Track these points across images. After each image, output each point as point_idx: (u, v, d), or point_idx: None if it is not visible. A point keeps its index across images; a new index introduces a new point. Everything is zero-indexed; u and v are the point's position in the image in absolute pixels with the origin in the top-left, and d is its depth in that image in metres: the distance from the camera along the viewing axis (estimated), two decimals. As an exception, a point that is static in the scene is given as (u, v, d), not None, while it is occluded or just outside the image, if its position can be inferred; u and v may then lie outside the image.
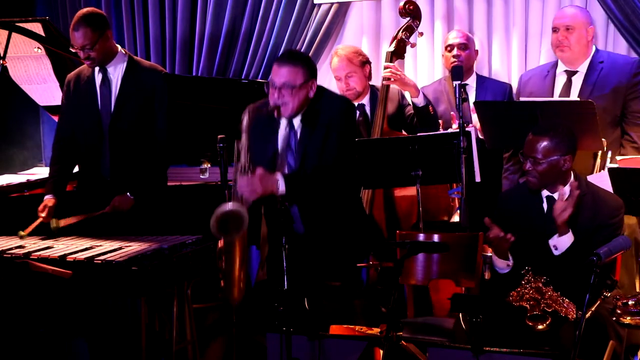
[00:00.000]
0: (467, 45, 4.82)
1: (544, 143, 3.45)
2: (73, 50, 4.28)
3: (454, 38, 4.85)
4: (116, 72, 4.33)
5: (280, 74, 3.50)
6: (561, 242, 3.41)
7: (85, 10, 4.29)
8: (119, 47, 4.39)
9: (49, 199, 4.24)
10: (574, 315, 3.24)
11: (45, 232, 4.08)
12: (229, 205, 3.38)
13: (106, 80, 4.32)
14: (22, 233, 3.97)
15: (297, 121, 3.61)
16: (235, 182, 3.53)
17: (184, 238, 3.94)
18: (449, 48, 4.84)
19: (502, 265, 3.52)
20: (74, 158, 4.43)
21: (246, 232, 3.40)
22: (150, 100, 4.34)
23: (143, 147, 4.33)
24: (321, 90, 3.65)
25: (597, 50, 4.44)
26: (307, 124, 3.60)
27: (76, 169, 4.67)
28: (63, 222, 4.09)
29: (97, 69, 4.33)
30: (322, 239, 3.68)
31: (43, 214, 4.15)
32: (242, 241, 3.44)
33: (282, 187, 3.47)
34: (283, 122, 3.63)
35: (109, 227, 4.20)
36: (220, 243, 3.55)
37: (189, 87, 5.04)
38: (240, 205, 3.38)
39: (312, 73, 3.58)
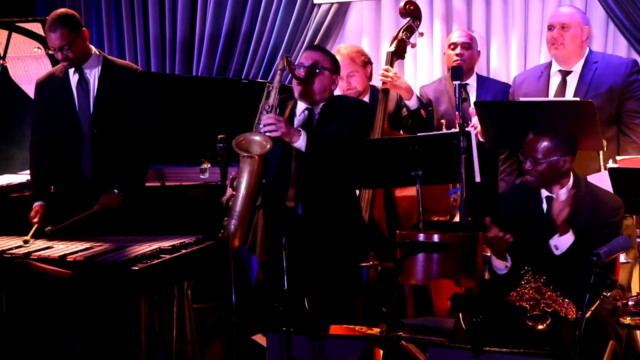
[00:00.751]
0: (470, 45, 4.82)
1: (545, 143, 3.45)
2: (50, 52, 4.27)
3: (458, 37, 4.84)
4: (92, 72, 4.32)
5: (311, 56, 3.76)
6: (562, 242, 3.41)
7: (59, 11, 4.28)
8: (93, 47, 4.38)
9: (39, 205, 4.25)
10: (574, 315, 3.24)
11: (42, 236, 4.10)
12: (255, 135, 3.54)
13: (83, 81, 4.31)
14: (27, 238, 3.97)
15: (317, 109, 3.79)
16: (259, 121, 3.61)
17: (183, 238, 3.94)
18: (452, 46, 4.84)
19: (501, 266, 3.51)
20: (52, 161, 4.41)
21: (260, 169, 3.53)
22: (128, 99, 4.33)
23: (125, 145, 4.33)
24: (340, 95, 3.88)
25: (590, 50, 4.45)
26: (325, 113, 3.77)
27: None
28: (56, 227, 4.12)
29: (71, 70, 4.32)
30: (324, 239, 3.68)
31: (36, 220, 4.17)
32: (255, 177, 3.53)
33: (303, 140, 3.60)
34: (300, 107, 3.78)
35: (108, 227, 4.20)
36: (232, 176, 3.62)
37: (189, 87, 5.04)
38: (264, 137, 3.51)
39: (337, 68, 3.85)
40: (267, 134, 3.55)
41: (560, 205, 3.39)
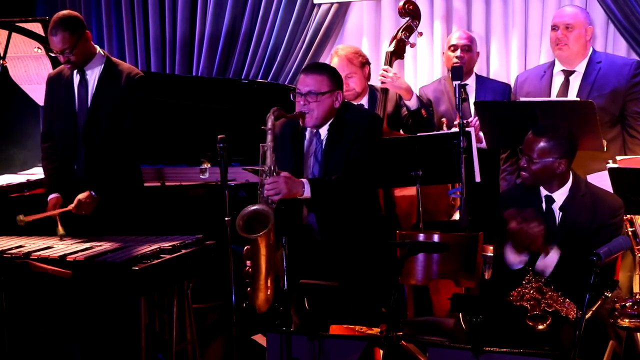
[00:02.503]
0: (470, 47, 4.82)
1: (540, 144, 3.45)
2: (52, 55, 4.25)
3: (458, 39, 4.83)
4: (94, 73, 4.31)
5: (306, 82, 3.63)
6: (547, 263, 3.40)
7: (61, 13, 4.25)
8: (98, 47, 4.37)
9: (55, 197, 4.23)
10: (575, 315, 3.24)
11: (39, 231, 4.10)
12: (255, 206, 3.45)
13: (83, 81, 4.31)
14: (21, 217, 3.95)
15: (323, 131, 3.71)
16: (261, 185, 3.55)
17: (184, 238, 3.94)
18: (452, 48, 4.83)
19: (516, 260, 3.48)
20: (54, 157, 4.41)
21: (273, 236, 3.43)
22: (124, 102, 4.30)
23: (116, 147, 4.30)
24: (348, 104, 3.80)
25: (594, 50, 4.45)
26: (333, 135, 3.70)
27: None
28: (29, 218, 4.06)
29: (75, 70, 4.31)
30: (340, 245, 3.68)
31: (54, 211, 4.13)
32: (268, 246, 3.47)
33: (307, 191, 3.56)
34: (308, 131, 3.71)
35: (108, 227, 4.20)
36: (246, 248, 3.56)
37: (189, 87, 5.04)
38: (266, 206, 3.44)
39: (337, 84, 3.70)
40: (271, 198, 3.49)
41: (534, 231, 3.36)
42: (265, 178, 3.53)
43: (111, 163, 4.27)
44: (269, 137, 3.54)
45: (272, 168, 3.53)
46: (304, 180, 3.59)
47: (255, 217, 3.43)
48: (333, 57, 4.68)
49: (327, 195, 3.63)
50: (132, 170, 4.40)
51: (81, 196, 4.17)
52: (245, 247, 3.57)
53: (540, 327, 3.24)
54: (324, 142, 3.71)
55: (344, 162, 3.65)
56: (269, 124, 3.54)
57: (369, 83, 4.74)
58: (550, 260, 3.39)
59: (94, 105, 4.29)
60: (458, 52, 4.78)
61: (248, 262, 3.55)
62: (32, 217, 4.06)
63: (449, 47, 4.86)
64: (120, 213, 4.29)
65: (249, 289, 3.53)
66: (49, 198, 4.25)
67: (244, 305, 3.59)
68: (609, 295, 3.31)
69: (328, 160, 3.69)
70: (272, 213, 3.41)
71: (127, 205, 4.32)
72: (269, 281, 3.49)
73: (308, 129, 3.73)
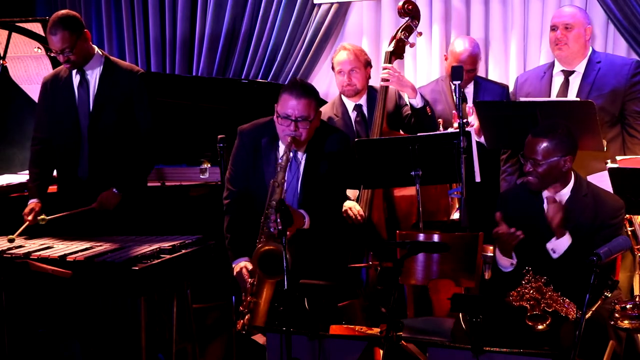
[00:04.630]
0: (475, 60, 4.80)
1: (544, 144, 3.45)
2: (52, 55, 4.25)
3: (462, 53, 4.74)
4: (94, 73, 4.32)
5: (297, 108, 3.60)
6: (559, 245, 3.42)
7: (60, 13, 4.26)
8: (96, 47, 4.37)
9: (34, 203, 4.24)
10: (575, 315, 3.24)
11: (33, 233, 4.10)
12: (268, 245, 3.47)
13: (84, 82, 4.31)
14: (12, 237, 3.96)
15: (300, 152, 3.74)
16: (266, 218, 3.55)
17: (184, 238, 3.94)
18: (455, 59, 4.78)
19: (506, 263, 3.51)
20: (52, 160, 4.42)
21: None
22: (129, 101, 4.33)
23: (124, 146, 4.32)
24: (322, 122, 3.83)
25: (593, 50, 4.45)
26: (311, 155, 3.74)
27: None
28: (51, 217, 4.13)
29: (74, 70, 4.31)
30: (317, 241, 3.72)
31: (30, 217, 4.15)
32: (272, 289, 3.53)
33: (307, 223, 3.65)
34: (282, 150, 3.69)
35: (108, 227, 4.20)
36: (250, 282, 3.58)
37: (189, 87, 5.04)
38: (277, 244, 3.42)
39: (319, 105, 3.76)
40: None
41: (554, 209, 3.40)
42: (271, 212, 3.53)
43: (123, 162, 4.30)
44: (281, 175, 3.55)
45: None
46: (302, 211, 3.65)
47: (269, 256, 3.46)
48: (340, 51, 4.68)
49: (322, 221, 3.71)
50: (150, 170, 4.47)
51: (105, 194, 4.22)
52: (249, 282, 3.58)
53: (540, 327, 3.24)
54: (303, 162, 3.75)
55: (323, 183, 3.72)
56: (284, 161, 3.56)
57: (369, 84, 4.74)
58: (562, 243, 3.39)
59: (96, 105, 4.29)
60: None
61: (249, 297, 3.56)
62: (53, 216, 4.12)
63: (454, 57, 4.79)
64: (120, 213, 4.29)
65: (247, 317, 3.54)
66: (29, 202, 4.25)
67: (238, 328, 3.60)
68: (609, 295, 3.31)
69: (307, 182, 3.73)
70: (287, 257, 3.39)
71: (128, 205, 4.33)
72: (265, 311, 3.56)
73: (281, 148, 3.71)
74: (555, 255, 3.42)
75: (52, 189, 4.78)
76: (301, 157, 3.74)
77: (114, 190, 4.26)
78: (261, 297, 3.52)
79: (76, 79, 4.32)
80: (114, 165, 4.31)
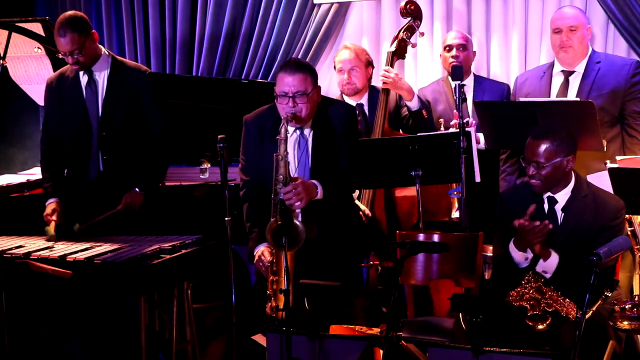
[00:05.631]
0: (465, 46, 4.81)
1: (546, 146, 3.44)
2: (60, 56, 4.23)
3: (453, 39, 4.83)
4: (101, 73, 4.31)
5: (292, 83, 3.60)
6: (548, 266, 3.41)
7: (67, 14, 4.23)
8: (102, 47, 4.37)
9: (54, 203, 4.23)
10: (575, 315, 3.24)
11: (33, 232, 4.11)
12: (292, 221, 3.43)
13: (92, 82, 4.31)
14: (77, 226, 4.05)
15: (307, 128, 3.73)
16: (275, 194, 3.54)
17: (184, 238, 3.95)
18: (447, 48, 4.83)
19: (521, 259, 3.48)
20: (63, 158, 4.41)
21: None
22: (137, 101, 4.33)
23: (135, 145, 4.33)
24: (323, 97, 3.79)
25: (593, 50, 4.45)
26: (318, 132, 3.72)
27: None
28: (84, 226, 4.12)
29: (81, 71, 4.30)
30: (323, 240, 3.69)
31: (54, 218, 4.13)
32: (293, 259, 3.49)
33: (320, 193, 3.62)
34: (290, 129, 3.68)
35: (108, 227, 4.20)
36: (269, 260, 3.58)
37: (189, 87, 5.04)
38: (299, 223, 3.42)
39: (316, 79, 3.72)
40: (293, 206, 3.51)
41: (531, 235, 3.38)
42: (280, 187, 3.52)
43: (136, 161, 4.33)
44: (282, 147, 3.54)
45: (287, 177, 3.53)
46: (314, 182, 3.62)
47: (288, 231, 3.40)
48: (342, 50, 4.71)
49: (334, 194, 3.67)
50: (167, 168, 4.52)
51: (129, 194, 4.25)
52: (267, 261, 3.57)
53: (540, 327, 3.24)
54: (310, 138, 3.73)
55: (333, 158, 3.70)
56: (282, 133, 3.54)
57: (371, 84, 4.75)
58: (550, 264, 3.40)
59: (106, 105, 4.29)
60: (454, 52, 4.77)
61: (270, 277, 3.55)
62: (87, 224, 4.13)
63: (445, 48, 4.85)
64: (120, 213, 4.29)
65: (272, 301, 3.52)
66: (47, 202, 4.24)
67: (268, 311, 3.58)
68: (609, 295, 3.31)
69: (317, 157, 3.71)
70: (303, 227, 3.41)
71: (155, 205, 4.34)
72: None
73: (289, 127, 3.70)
74: (548, 276, 3.42)
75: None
76: (308, 133, 3.74)
77: (137, 190, 4.27)
78: (282, 274, 3.48)
79: (84, 79, 4.31)
80: (126, 165, 4.32)
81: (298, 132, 3.71)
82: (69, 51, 4.15)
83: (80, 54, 4.16)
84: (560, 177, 3.49)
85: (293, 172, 3.64)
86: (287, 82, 3.61)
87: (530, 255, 3.47)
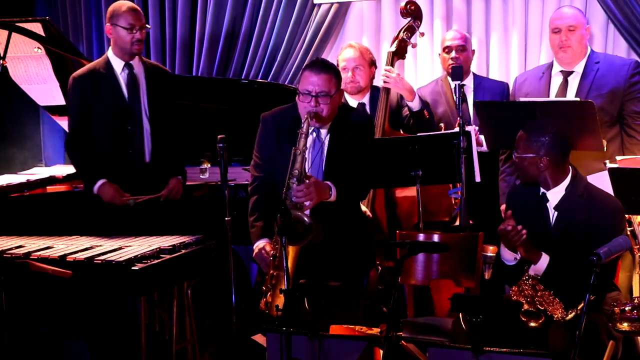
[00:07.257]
0: (464, 47, 4.78)
1: (524, 140, 3.49)
2: (135, 31, 4.37)
3: (452, 39, 4.80)
4: (139, 68, 4.44)
5: (317, 83, 3.58)
6: (538, 269, 3.40)
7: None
8: None
9: (106, 183, 4.30)
10: (560, 316, 3.24)
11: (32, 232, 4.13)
12: (298, 214, 3.45)
13: (132, 77, 4.40)
14: (132, 200, 4.26)
15: (324, 130, 3.71)
16: (288, 188, 3.53)
17: (184, 238, 3.95)
18: (446, 50, 4.80)
19: (510, 257, 3.49)
20: (93, 154, 4.42)
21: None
22: (166, 96, 4.48)
23: (170, 139, 4.48)
24: (344, 103, 3.84)
25: (592, 51, 4.45)
26: (335, 135, 3.70)
27: (65, 172, 4.69)
28: (138, 200, 4.31)
29: (119, 65, 4.39)
30: (329, 245, 3.68)
31: (124, 197, 4.30)
32: (296, 255, 3.51)
33: (333, 195, 3.60)
34: (306, 126, 3.66)
35: (108, 227, 4.20)
36: (272, 253, 3.57)
37: (189, 87, 5.04)
38: (301, 213, 3.44)
39: (340, 82, 3.71)
40: (301, 204, 3.51)
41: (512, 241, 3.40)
42: (293, 182, 3.51)
43: (172, 151, 4.50)
44: (302, 142, 3.52)
45: (302, 173, 3.51)
46: (329, 183, 3.61)
47: (296, 224, 3.44)
48: (346, 48, 4.70)
49: (348, 197, 3.67)
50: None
51: (174, 181, 4.42)
52: (270, 253, 3.58)
53: (533, 324, 3.24)
54: (326, 141, 3.71)
55: (348, 161, 3.68)
56: (305, 128, 3.53)
57: (373, 84, 4.75)
58: (540, 266, 3.40)
59: (150, 99, 4.43)
60: (453, 54, 4.75)
61: (271, 271, 3.55)
62: (140, 199, 4.33)
63: (444, 49, 4.82)
64: (120, 213, 4.29)
65: (269, 295, 3.53)
66: (99, 183, 4.30)
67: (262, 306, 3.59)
68: (609, 295, 3.31)
69: (331, 161, 3.69)
70: (311, 222, 3.41)
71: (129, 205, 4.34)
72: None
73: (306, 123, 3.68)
74: (539, 276, 3.42)
75: (61, 187, 4.80)
76: (325, 135, 3.71)
77: (179, 177, 4.46)
78: (283, 270, 3.47)
79: (123, 74, 4.39)
80: (168, 155, 4.47)
81: (315, 133, 3.69)
82: (140, 25, 4.40)
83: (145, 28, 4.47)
84: (533, 174, 3.49)
85: (303, 163, 3.61)
86: (312, 81, 3.59)
87: (519, 255, 3.48)
